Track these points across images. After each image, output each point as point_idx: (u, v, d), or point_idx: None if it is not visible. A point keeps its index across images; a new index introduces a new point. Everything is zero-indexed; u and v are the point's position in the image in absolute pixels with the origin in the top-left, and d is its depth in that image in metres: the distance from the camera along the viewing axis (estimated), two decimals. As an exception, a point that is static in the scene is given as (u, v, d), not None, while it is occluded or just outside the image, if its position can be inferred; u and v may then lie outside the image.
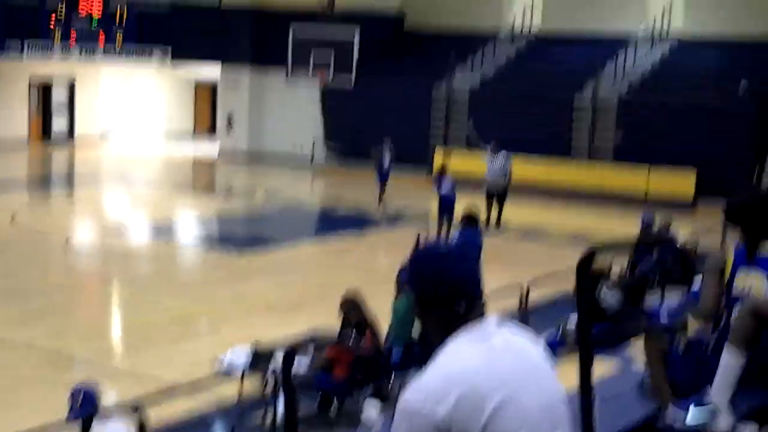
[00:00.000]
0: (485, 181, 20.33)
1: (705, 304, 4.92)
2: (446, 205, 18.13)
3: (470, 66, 28.87)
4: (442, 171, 18.75)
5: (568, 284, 12.65)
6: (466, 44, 29.56)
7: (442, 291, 2.67)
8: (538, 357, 2.74)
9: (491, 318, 2.70)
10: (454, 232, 15.64)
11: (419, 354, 9.68)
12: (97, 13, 29.79)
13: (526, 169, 23.46)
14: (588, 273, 3.92)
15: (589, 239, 19.20)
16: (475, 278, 2.72)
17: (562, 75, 27.03)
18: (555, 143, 25.92)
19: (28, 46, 29.32)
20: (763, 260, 4.81)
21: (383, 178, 22.06)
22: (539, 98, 26.36)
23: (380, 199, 21.87)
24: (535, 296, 12.37)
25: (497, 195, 20.07)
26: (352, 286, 11.75)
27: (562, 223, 21.22)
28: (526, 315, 11.64)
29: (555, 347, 9.53)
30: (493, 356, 2.61)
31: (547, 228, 20.55)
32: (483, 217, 18.58)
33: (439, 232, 18.20)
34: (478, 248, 12.69)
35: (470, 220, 14.22)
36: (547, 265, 15.96)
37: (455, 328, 2.66)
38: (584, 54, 27.71)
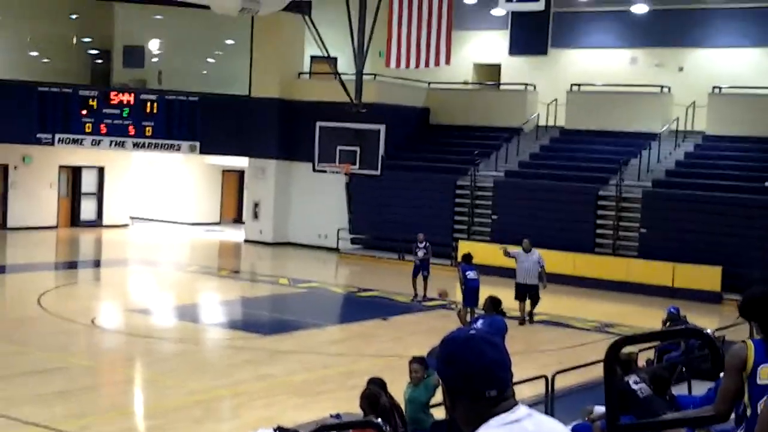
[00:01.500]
0: (516, 282, 19.64)
1: (722, 401, 4.87)
2: (471, 292, 18.17)
3: (494, 160, 29.15)
4: (467, 258, 18.85)
5: (593, 374, 12.63)
6: (490, 138, 29.94)
7: (474, 377, 2.66)
8: (570, 441, 2.75)
9: (520, 405, 2.70)
10: (478, 317, 15.58)
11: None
12: (128, 103, 30.41)
13: (550, 259, 23.43)
14: (616, 362, 3.90)
15: (615, 329, 19.12)
16: (506, 364, 2.71)
17: (586, 169, 27.21)
18: (579, 237, 25.96)
19: (60, 138, 30.00)
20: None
21: (416, 271, 21.78)
22: (563, 192, 26.52)
23: (414, 289, 21.73)
24: (561, 385, 12.24)
25: (529, 295, 19.52)
26: (375, 371, 11.74)
27: (588, 313, 21.15)
28: (552, 404, 11.51)
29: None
30: (525, 440, 2.61)
31: (572, 317, 20.46)
32: (518, 314, 18.58)
33: (463, 320, 18.15)
34: (503, 333, 12.66)
35: (494, 304, 14.22)
36: (573, 354, 15.85)
37: (486, 415, 2.65)
38: (608, 149, 27.95)
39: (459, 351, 2.70)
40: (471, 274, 18.38)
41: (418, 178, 28.87)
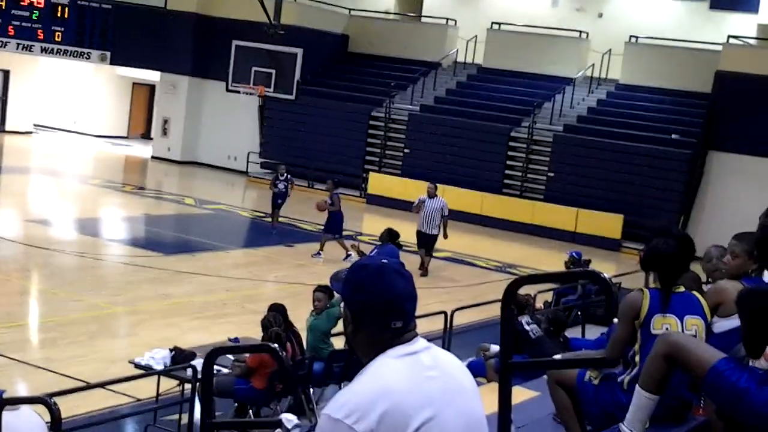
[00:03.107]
0: (417, 230, 18.04)
1: (612, 347, 4.95)
2: (336, 220, 18.27)
3: (411, 93, 29.07)
4: (337, 184, 18.82)
5: (491, 312, 12.84)
6: (408, 71, 29.81)
7: (383, 307, 2.62)
8: (464, 377, 2.74)
9: (419, 337, 2.69)
10: (375, 248, 15.56)
11: (340, 369, 9.68)
12: (38, 6, 29.26)
13: (458, 197, 23.61)
14: (512, 302, 3.93)
15: (517, 270, 19.45)
16: (414, 296, 2.69)
17: (500, 109, 27.34)
18: (489, 177, 26.19)
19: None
20: (676, 305, 4.90)
21: (275, 201, 20.72)
22: (476, 130, 26.64)
23: (272, 219, 20.93)
24: (459, 321, 12.42)
25: (425, 245, 17.99)
26: (277, 297, 11.72)
27: (491, 253, 21.42)
28: (449, 339, 11.68)
29: (475, 373, 9.56)
30: (420, 374, 2.60)
31: (476, 256, 20.71)
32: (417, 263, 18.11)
33: (358, 250, 17.78)
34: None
35: (391, 236, 14.28)
36: (473, 292, 16.08)
37: (387, 345, 2.63)
38: (523, 90, 28.11)
39: (370, 279, 2.65)
40: (336, 200, 18.40)
41: (332, 106, 28.65)
